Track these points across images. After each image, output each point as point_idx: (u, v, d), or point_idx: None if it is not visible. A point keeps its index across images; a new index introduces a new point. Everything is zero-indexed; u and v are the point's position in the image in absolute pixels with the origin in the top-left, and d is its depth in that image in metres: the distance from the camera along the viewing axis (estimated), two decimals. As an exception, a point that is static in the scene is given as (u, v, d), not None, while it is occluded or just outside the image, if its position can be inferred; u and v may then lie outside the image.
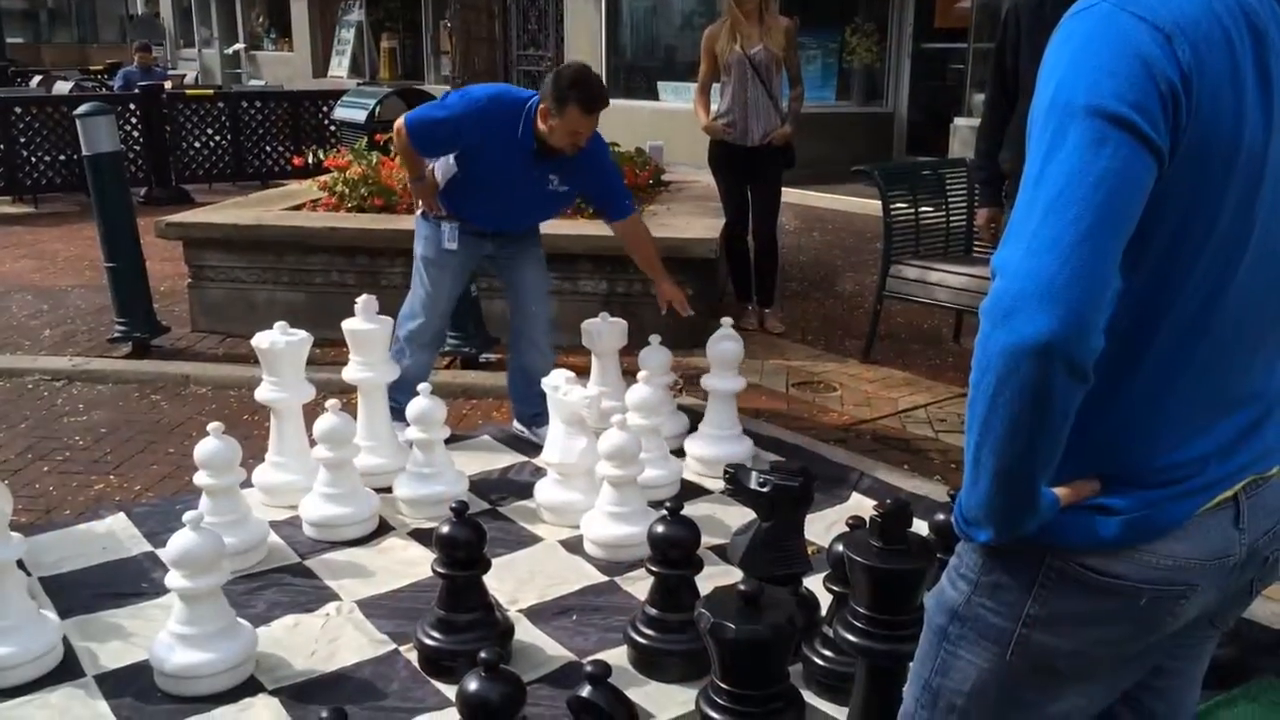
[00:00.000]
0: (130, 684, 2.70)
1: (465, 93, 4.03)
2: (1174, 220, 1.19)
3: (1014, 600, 1.33)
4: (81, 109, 5.42)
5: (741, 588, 2.11)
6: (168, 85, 12.57)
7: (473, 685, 2.12)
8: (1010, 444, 1.18)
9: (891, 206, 5.27)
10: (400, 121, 3.93)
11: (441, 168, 4.01)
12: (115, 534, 3.50)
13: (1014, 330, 1.13)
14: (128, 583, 3.20)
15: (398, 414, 3.90)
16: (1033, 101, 1.20)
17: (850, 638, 2.18)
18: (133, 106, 10.52)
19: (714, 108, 5.85)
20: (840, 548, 2.53)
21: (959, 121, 10.63)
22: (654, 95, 12.59)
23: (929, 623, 1.44)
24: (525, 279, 4.20)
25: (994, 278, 1.17)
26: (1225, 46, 1.14)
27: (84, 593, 3.13)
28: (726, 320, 4.14)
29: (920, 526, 2.70)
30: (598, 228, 5.41)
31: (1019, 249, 1.14)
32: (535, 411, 4.15)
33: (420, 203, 4.11)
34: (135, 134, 10.47)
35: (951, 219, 5.50)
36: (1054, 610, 1.31)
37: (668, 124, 11.02)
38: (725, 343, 4.04)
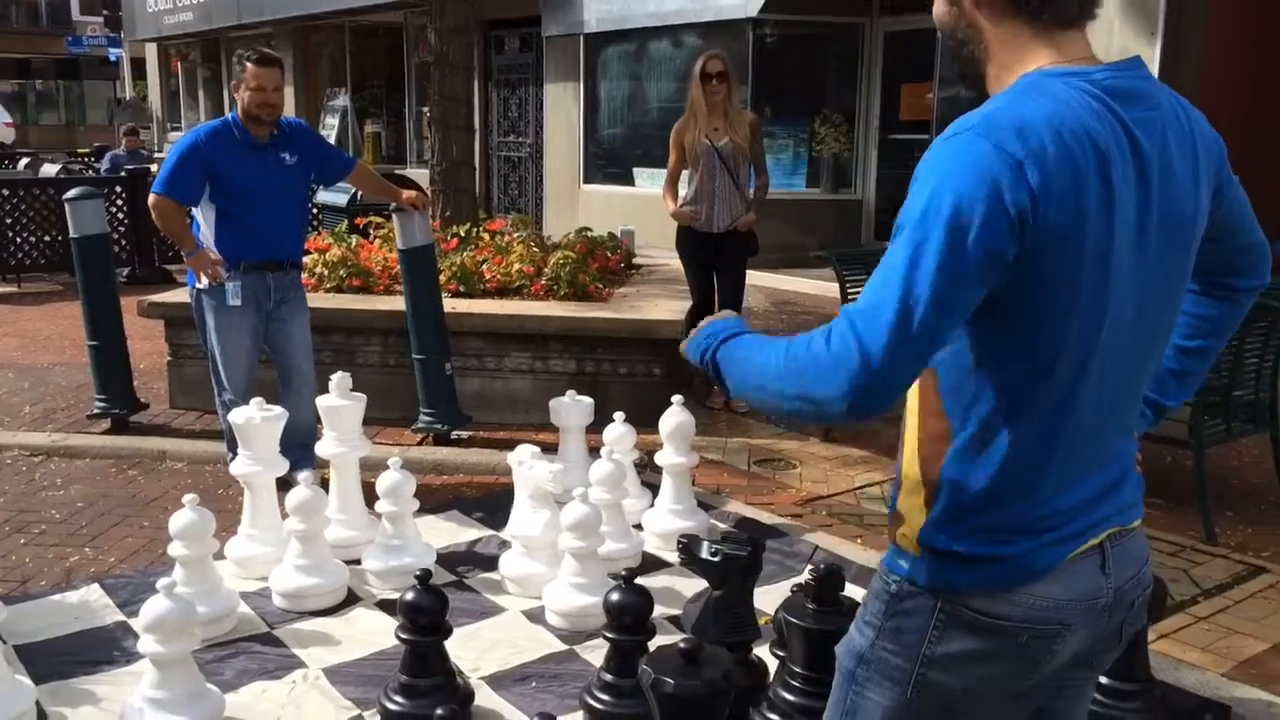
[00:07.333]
0: (100, 747, 2.78)
1: (180, 140, 4.63)
2: (1039, 309, 1.39)
3: (912, 642, 1.50)
4: (71, 193, 5.60)
5: (681, 645, 2.24)
6: (154, 169, 12.80)
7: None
8: (767, 396, 1.43)
9: (850, 290, 5.48)
10: (152, 197, 4.44)
11: (205, 222, 4.50)
12: (89, 604, 3.59)
13: (832, 383, 1.33)
14: (100, 651, 3.29)
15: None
16: (905, 205, 1.40)
17: (788, 697, 2.31)
18: (119, 189, 10.74)
19: (682, 194, 6.09)
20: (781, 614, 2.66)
21: (924, 208, 10.95)
22: (630, 181, 12.91)
23: (839, 667, 1.61)
24: (296, 338, 4.74)
25: (840, 317, 1.37)
26: (1070, 167, 1.36)
27: (57, 660, 3.22)
28: (677, 398, 4.28)
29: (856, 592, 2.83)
30: (567, 309, 5.64)
31: (866, 312, 1.34)
32: (295, 459, 4.16)
33: (203, 276, 4.48)
34: (120, 215, 10.67)
35: (909, 303, 5.70)
36: (947, 650, 1.49)
37: (642, 209, 11.29)
38: (676, 418, 4.18)
